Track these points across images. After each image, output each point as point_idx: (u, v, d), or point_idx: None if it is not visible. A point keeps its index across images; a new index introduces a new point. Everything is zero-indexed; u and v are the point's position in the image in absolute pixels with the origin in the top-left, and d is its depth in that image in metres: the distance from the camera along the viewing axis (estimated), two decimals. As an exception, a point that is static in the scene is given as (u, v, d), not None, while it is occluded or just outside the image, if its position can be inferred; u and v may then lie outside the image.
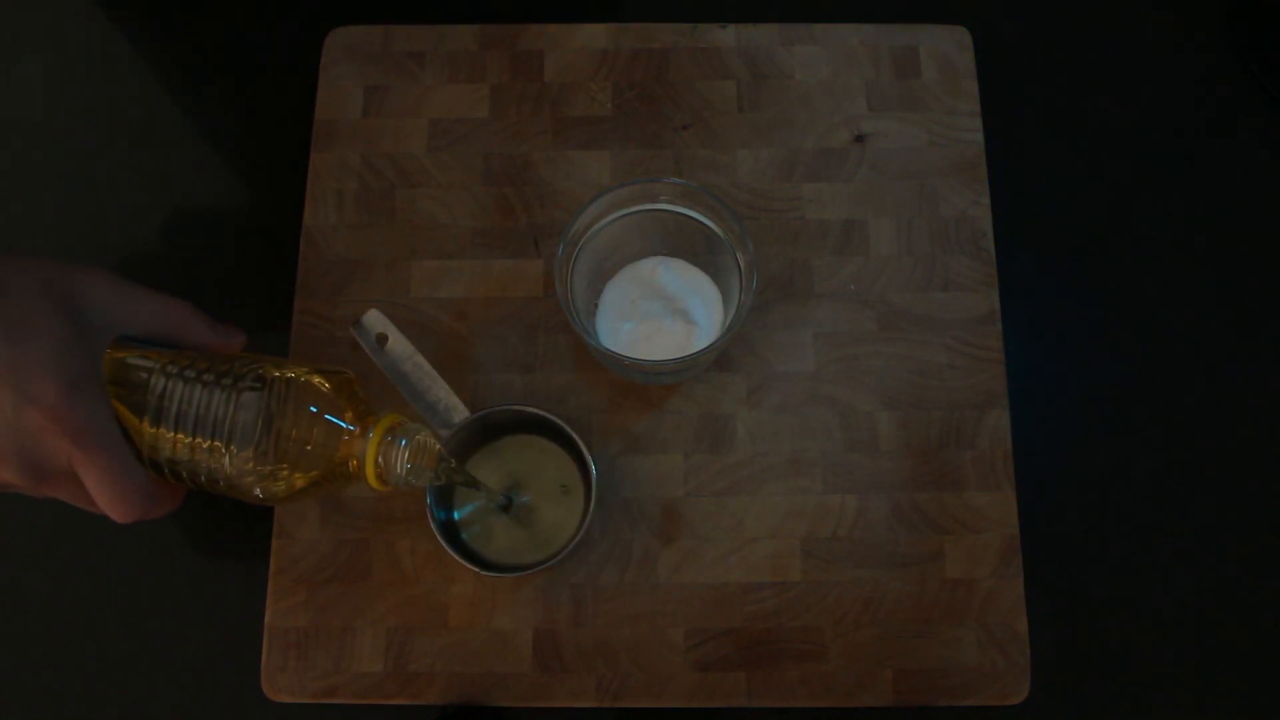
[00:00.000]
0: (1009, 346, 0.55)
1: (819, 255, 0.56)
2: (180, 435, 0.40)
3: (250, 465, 0.40)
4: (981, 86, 0.59)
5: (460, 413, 0.50)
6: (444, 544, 0.48)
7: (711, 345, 0.47)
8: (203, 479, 0.41)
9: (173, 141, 0.62)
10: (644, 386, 0.54)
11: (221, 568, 0.55)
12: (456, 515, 0.51)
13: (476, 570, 0.48)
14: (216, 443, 0.40)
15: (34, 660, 0.54)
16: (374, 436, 0.42)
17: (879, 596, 0.52)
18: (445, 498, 0.51)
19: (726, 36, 0.59)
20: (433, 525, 0.48)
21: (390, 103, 0.58)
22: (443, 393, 0.50)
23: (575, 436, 0.49)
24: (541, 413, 0.50)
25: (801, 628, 0.51)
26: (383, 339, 0.51)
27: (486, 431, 0.52)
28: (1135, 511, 0.56)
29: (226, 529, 0.55)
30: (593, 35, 0.59)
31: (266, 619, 0.52)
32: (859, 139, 0.58)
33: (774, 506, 0.53)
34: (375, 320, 0.50)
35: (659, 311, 0.52)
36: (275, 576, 0.52)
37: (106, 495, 0.39)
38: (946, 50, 0.59)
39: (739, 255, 0.48)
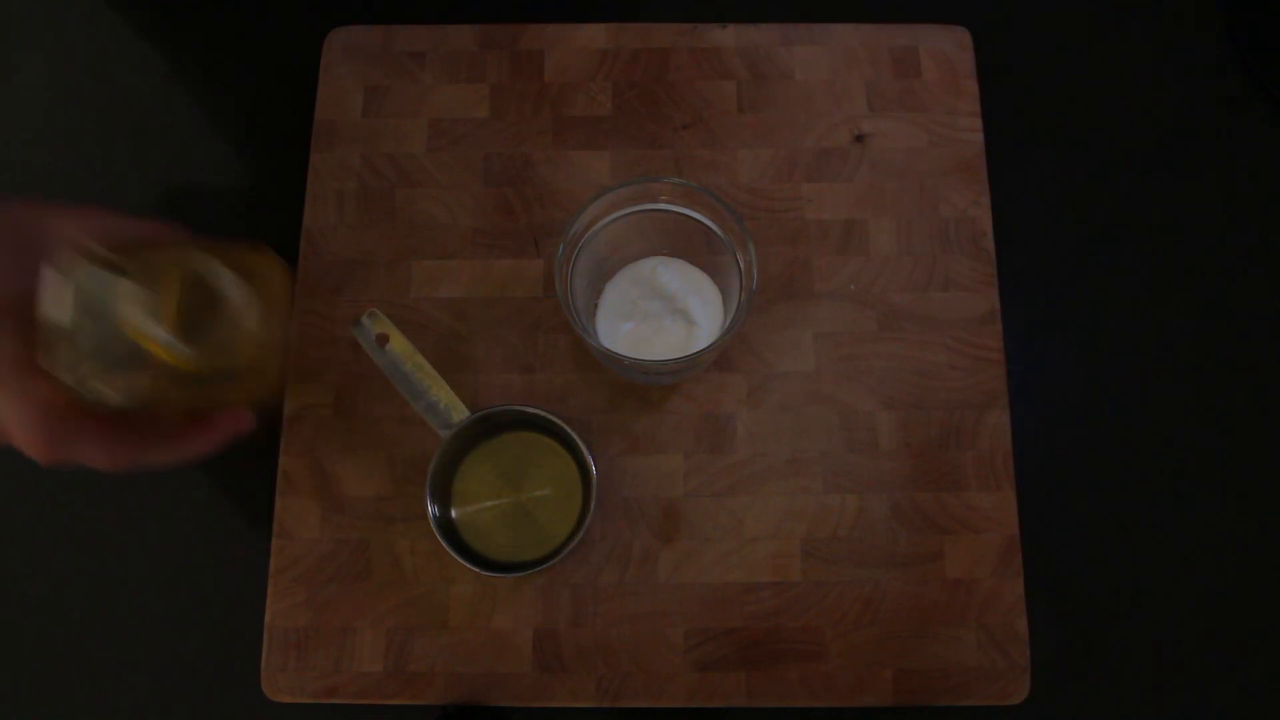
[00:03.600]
0: (1009, 346, 0.55)
1: (819, 255, 0.56)
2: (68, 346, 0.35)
3: (75, 361, 0.35)
4: (981, 86, 0.59)
5: (460, 413, 0.50)
6: (444, 544, 0.48)
7: (711, 345, 0.47)
8: (107, 394, 0.36)
9: (173, 141, 0.61)
10: (644, 386, 0.54)
11: (221, 568, 0.55)
12: (456, 515, 0.51)
13: (477, 570, 0.49)
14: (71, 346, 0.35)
15: (34, 660, 0.54)
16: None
17: (879, 596, 0.52)
18: (445, 497, 0.51)
19: (726, 36, 0.59)
20: (433, 525, 0.49)
21: (390, 103, 0.58)
22: (443, 393, 0.50)
23: (575, 436, 0.49)
24: (541, 412, 0.50)
25: (801, 628, 0.51)
26: (383, 339, 0.51)
27: (487, 430, 0.52)
28: (1135, 511, 0.56)
29: (226, 529, 0.55)
30: (593, 35, 0.59)
31: (266, 619, 0.52)
32: (859, 139, 0.58)
33: (774, 506, 0.53)
34: (375, 320, 0.50)
35: (659, 311, 0.52)
36: (275, 576, 0.52)
37: (14, 428, 0.36)
38: (946, 50, 0.59)
39: (739, 255, 0.48)
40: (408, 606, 0.52)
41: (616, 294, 0.52)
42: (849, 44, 0.59)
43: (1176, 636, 0.54)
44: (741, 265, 0.48)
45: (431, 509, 0.49)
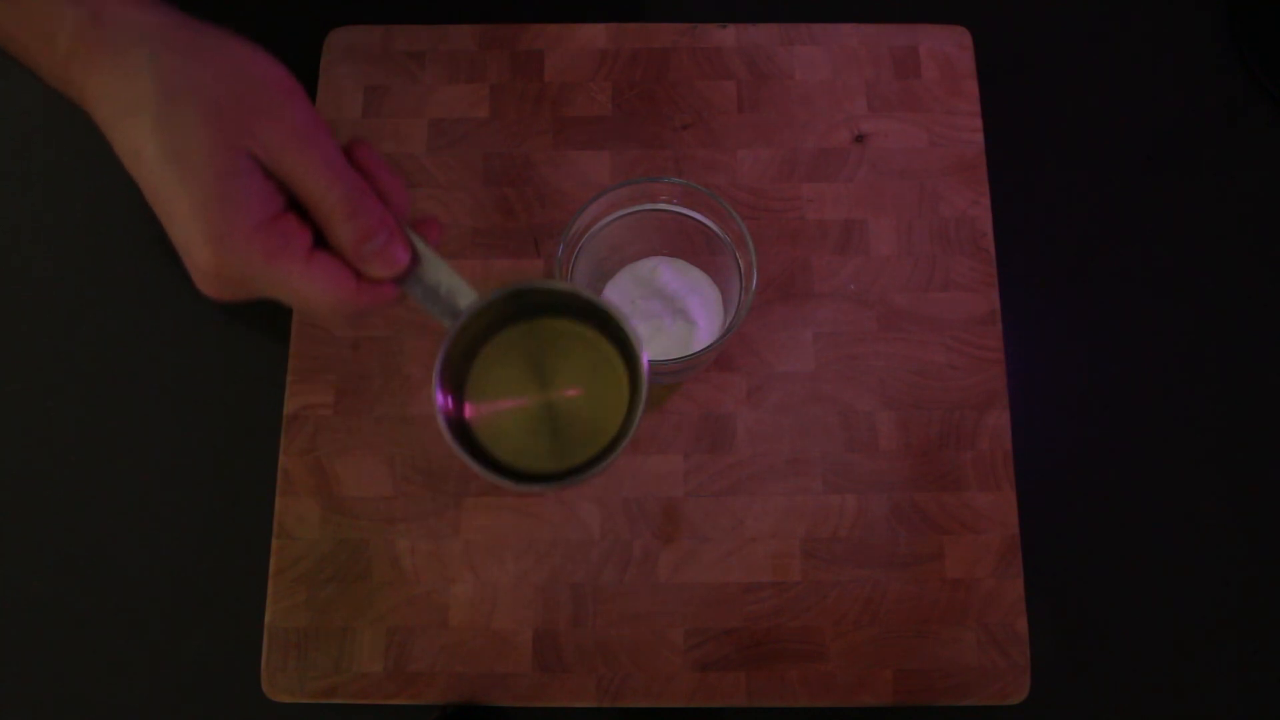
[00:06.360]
0: (1009, 346, 0.55)
1: (819, 255, 0.56)
2: None
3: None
4: (981, 86, 0.59)
5: (466, 297, 0.39)
6: (463, 455, 0.38)
7: (711, 345, 0.47)
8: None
9: (173, 141, 0.61)
10: (644, 386, 0.54)
11: (221, 568, 0.55)
12: (471, 416, 0.41)
13: (512, 484, 0.38)
14: None
15: (34, 660, 0.54)
16: None
17: (879, 596, 0.52)
18: (459, 393, 0.41)
19: (726, 36, 0.59)
20: (442, 424, 0.38)
21: (390, 103, 0.58)
22: (443, 274, 0.39)
23: (622, 322, 0.39)
24: (585, 295, 0.39)
25: (801, 628, 0.51)
26: None
27: (519, 312, 0.41)
28: (1135, 511, 0.56)
29: (226, 529, 0.55)
30: (593, 35, 0.59)
31: (266, 619, 0.52)
32: (859, 139, 0.58)
33: (774, 506, 0.53)
34: None
35: (659, 311, 0.52)
36: (275, 576, 0.52)
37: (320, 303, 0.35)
38: (946, 50, 0.59)
39: (739, 255, 0.48)
40: (408, 606, 0.52)
41: (616, 294, 0.52)
42: (849, 44, 0.59)
43: (1176, 636, 0.54)
44: (741, 265, 0.48)
45: (442, 401, 0.38)
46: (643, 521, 0.53)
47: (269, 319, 0.57)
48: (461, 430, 0.40)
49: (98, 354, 0.58)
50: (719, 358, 0.55)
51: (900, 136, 0.58)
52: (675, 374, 0.53)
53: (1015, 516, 0.53)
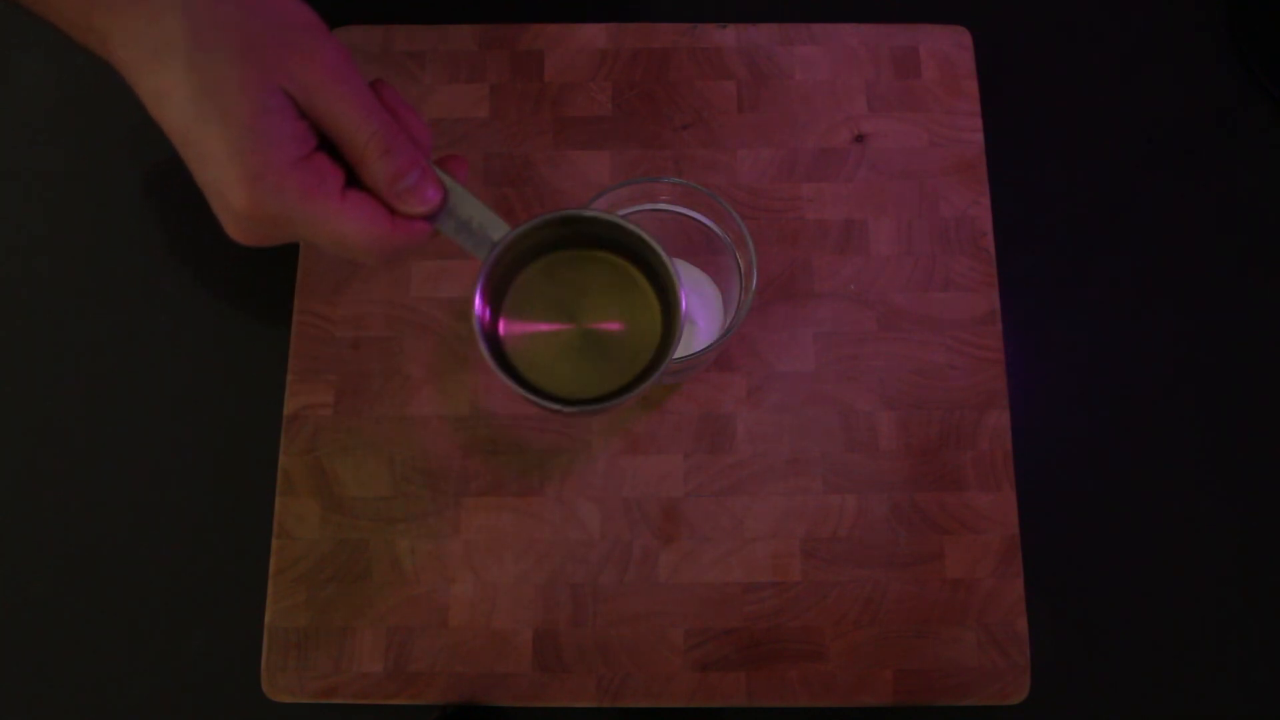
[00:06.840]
0: (1009, 346, 0.55)
1: (819, 255, 0.56)
2: None
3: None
4: (981, 86, 0.59)
5: (500, 229, 0.39)
6: (501, 373, 0.39)
7: (711, 345, 0.47)
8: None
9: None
10: (644, 386, 0.54)
11: (221, 568, 0.55)
12: (505, 333, 0.42)
13: (546, 404, 0.39)
14: None
15: (34, 660, 0.54)
16: None
17: (879, 596, 0.52)
18: (494, 307, 0.41)
19: (726, 36, 0.59)
20: (480, 338, 0.39)
21: (390, 103, 0.58)
22: (474, 209, 0.39)
23: (662, 255, 0.40)
24: (627, 225, 0.40)
25: (801, 628, 0.51)
26: None
27: (558, 241, 0.42)
28: (1135, 511, 0.56)
29: (226, 529, 0.55)
30: (593, 35, 0.59)
31: (266, 619, 0.52)
32: (859, 139, 0.58)
33: (774, 506, 0.53)
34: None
35: (659, 311, 0.52)
36: (275, 576, 0.52)
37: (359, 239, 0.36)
38: (946, 50, 0.59)
39: (739, 255, 0.48)
40: (408, 606, 0.52)
41: (616, 294, 0.52)
42: (849, 44, 0.59)
43: (1176, 636, 0.54)
44: (741, 265, 0.48)
45: (480, 310, 0.39)
46: (643, 522, 0.53)
47: (269, 319, 0.57)
48: (495, 350, 0.40)
49: (98, 354, 0.58)
50: (719, 358, 0.55)
51: (900, 136, 0.58)
52: (675, 374, 0.53)
53: (1015, 516, 0.53)
